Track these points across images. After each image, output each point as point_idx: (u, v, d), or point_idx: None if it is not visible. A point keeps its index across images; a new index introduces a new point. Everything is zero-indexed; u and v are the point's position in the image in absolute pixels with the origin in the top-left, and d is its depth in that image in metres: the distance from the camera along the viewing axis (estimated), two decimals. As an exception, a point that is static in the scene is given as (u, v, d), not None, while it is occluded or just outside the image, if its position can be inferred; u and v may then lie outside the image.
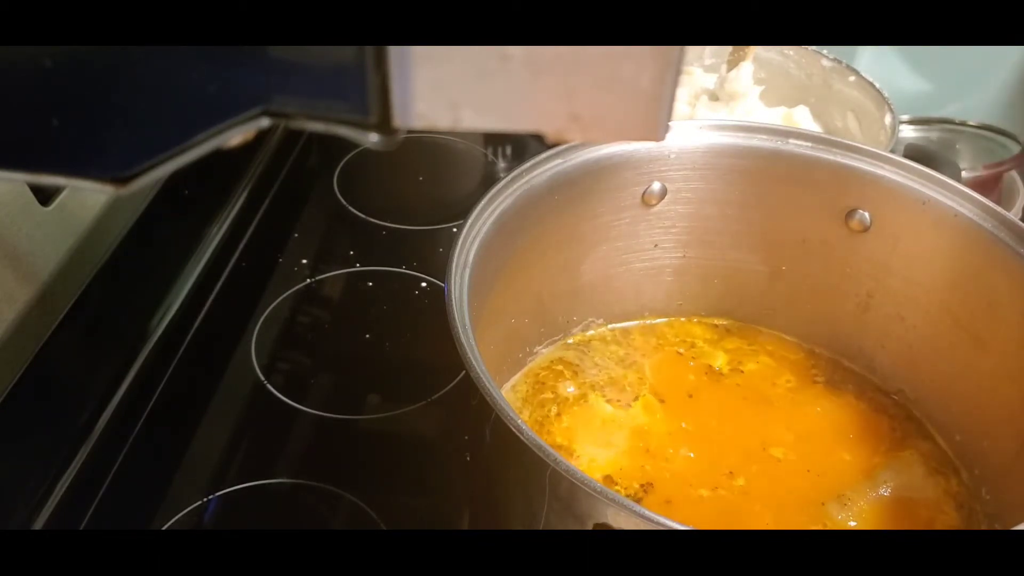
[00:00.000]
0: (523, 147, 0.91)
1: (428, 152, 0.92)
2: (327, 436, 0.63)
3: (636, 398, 0.58)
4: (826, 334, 0.63)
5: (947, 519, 0.54)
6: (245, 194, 0.81)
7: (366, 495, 0.58)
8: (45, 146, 0.22)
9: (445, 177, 0.92)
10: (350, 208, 0.84)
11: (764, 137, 0.58)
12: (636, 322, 0.65)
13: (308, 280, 0.76)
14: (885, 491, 0.54)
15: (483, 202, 0.52)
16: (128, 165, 0.22)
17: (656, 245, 0.61)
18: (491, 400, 0.40)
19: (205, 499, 0.58)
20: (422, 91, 0.22)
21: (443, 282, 0.46)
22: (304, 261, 0.78)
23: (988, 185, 0.76)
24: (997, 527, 0.53)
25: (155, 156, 0.22)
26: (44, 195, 0.55)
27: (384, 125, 0.22)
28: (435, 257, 0.79)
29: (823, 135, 0.58)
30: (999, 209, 0.53)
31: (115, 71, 0.21)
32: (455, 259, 0.48)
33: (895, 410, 0.60)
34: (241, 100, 0.22)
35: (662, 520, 0.36)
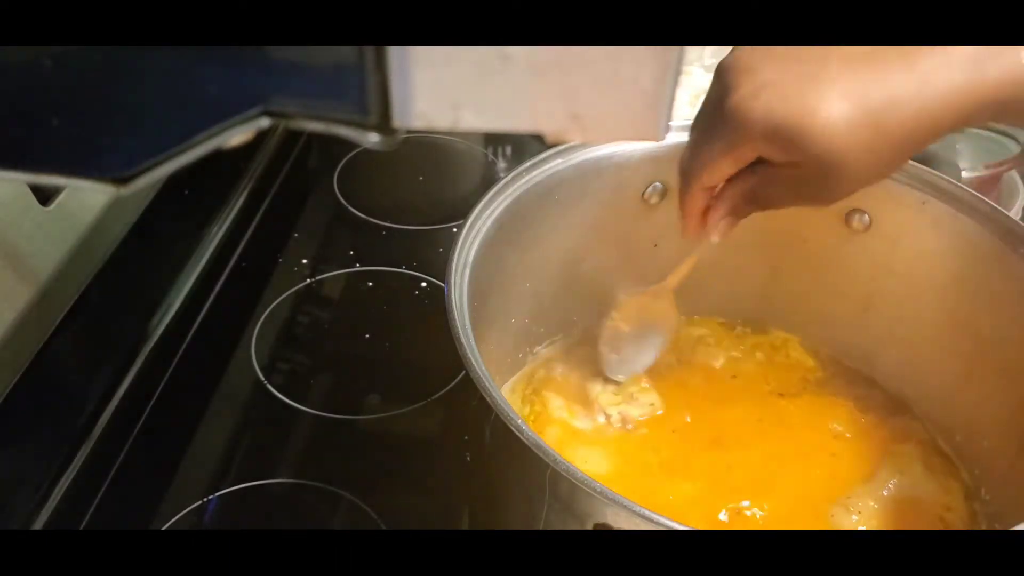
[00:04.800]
0: (523, 147, 0.91)
1: (428, 152, 0.92)
2: (327, 436, 0.63)
3: (636, 397, 0.58)
4: (826, 334, 0.63)
5: (948, 519, 0.54)
6: (245, 194, 0.81)
7: (366, 495, 0.58)
8: (45, 146, 0.22)
9: (445, 177, 0.92)
10: (350, 208, 0.84)
11: (764, 137, 0.58)
12: (636, 322, 0.65)
13: (308, 280, 0.76)
14: (885, 491, 0.54)
15: (483, 202, 0.52)
16: (128, 165, 0.22)
17: (656, 245, 0.61)
18: (491, 400, 0.40)
19: (205, 499, 0.58)
20: (422, 91, 0.22)
21: (443, 282, 0.46)
22: (304, 261, 0.78)
23: (988, 185, 0.76)
24: (997, 527, 0.53)
25: (155, 156, 0.22)
26: (44, 195, 0.55)
27: (384, 125, 0.22)
28: (435, 257, 0.79)
29: (823, 135, 0.57)
30: (999, 209, 0.53)
31: (115, 71, 0.21)
32: (455, 259, 0.48)
33: (895, 410, 0.60)
34: (241, 100, 0.22)
35: (662, 520, 0.36)
